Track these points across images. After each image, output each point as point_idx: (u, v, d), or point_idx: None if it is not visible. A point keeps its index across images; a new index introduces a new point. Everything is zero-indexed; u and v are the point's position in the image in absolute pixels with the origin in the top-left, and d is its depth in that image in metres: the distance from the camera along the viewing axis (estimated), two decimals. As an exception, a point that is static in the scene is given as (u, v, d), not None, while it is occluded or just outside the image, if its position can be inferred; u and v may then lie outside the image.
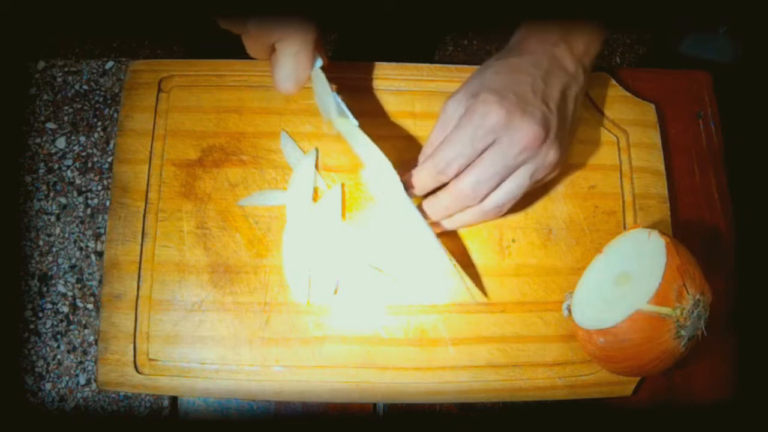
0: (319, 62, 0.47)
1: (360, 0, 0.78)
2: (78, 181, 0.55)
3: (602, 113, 0.56)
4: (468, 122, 0.44)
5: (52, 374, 0.51)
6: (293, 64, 0.44)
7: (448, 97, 0.48)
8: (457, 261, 0.51)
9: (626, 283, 0.45)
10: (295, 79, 0.45)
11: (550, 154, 0.45)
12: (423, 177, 0.46)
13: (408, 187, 0.48)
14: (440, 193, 0.47)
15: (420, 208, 0.48)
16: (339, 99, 0.48)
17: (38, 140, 0.56)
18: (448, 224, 0.49)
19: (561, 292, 0.51)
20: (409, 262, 0.51)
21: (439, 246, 0.49)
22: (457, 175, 0.45)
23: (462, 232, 0.53)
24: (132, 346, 0.48)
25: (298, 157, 0.53)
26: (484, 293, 0.51)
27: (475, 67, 0.56)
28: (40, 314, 0.52)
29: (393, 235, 0.52)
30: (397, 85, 0.56)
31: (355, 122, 0.48)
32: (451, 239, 0.52)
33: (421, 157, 0.49)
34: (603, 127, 0.56)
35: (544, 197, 0.54)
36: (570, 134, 0.48)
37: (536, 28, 0.49)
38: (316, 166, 0.53)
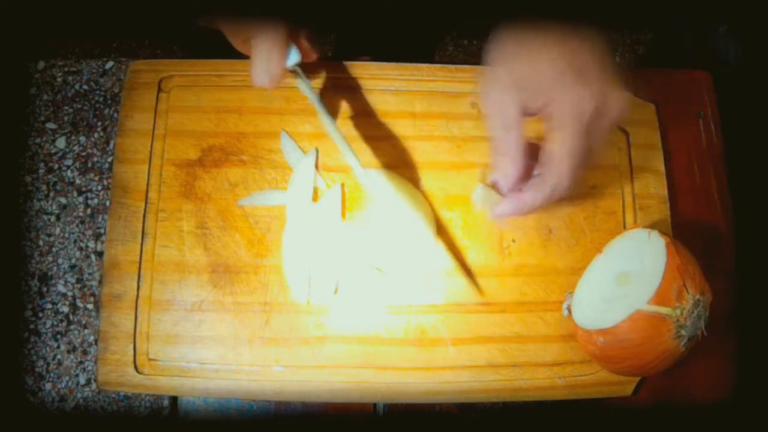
0: (294, 58, 0.46)
1: (360, 0, 0.78)
2: (78, 181, 0.55)
3: (602, 113, 0.56)
4: (565, 118, 0.41)
5: (52, 374, 0.51)
6: (265, 61, 0.44)
7: (483, 85, 0.44)
8: (456, 258, 0.51)
9: (626, 283, 0.45)
10: (268, 76, 0.45)
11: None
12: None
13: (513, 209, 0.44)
14: (529, 192, 0.42)
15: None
16: (316, 97, 0.48)
17: (38, 140, 0.56)
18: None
19: (561, 292, 0.51)
20: (409, 262, 0.51)
21: (437, 243, 0.49)
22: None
23: (461, 232, 0.53)
24: (132, 346, 0.48)
25: (298, 157, 0.53)
26: (481, 291, 0.51)
27: (475, 68, 0.56)
28: (40, 314, 0.52)
29: (393, 235, 0.52)
30: (397, 85, 0.56)
31: (330, 120, 0.48)
32: (446, 237, 0.52)
33: (495, 160, 0.44)
34: (603, 127, 0.56)
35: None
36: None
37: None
38: (316, 166, 0.53)
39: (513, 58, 0.43)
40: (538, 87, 0.41)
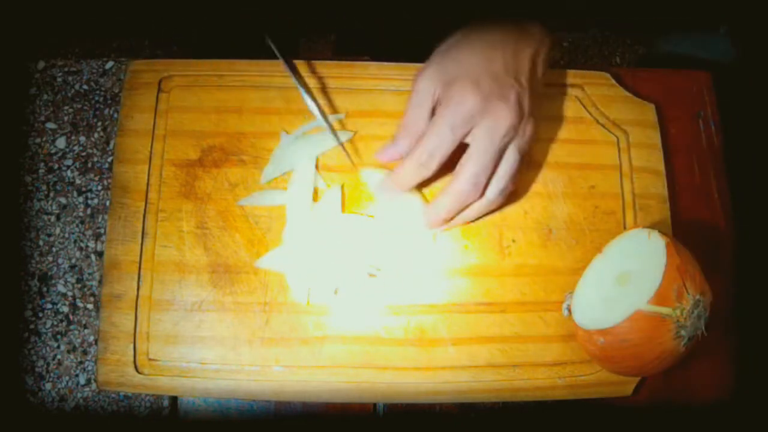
0: None
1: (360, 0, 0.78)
2: (78, 181, 0.55)
3: (603, 113, 0.56)
4: (446, 111, 0.45)
5: (52, 374, 0.51)
6: None
7: (417, 73, 0.48)
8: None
9: (626, 283, 0.45)
10: None
11: (528, 128, 0.47)
12: (406, 173, 0.47)
13: (391, 185, 0.48)
14: (440, 197, 0.47)
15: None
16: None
17: (38, 140, 0.56)
18: (451, 223, 0.50)
19: (561, 292, 0.51)
20: (409, 262, 0.51)
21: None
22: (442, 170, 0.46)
23: (461, 233, 0.53)
24: (132, 346, 0.48)
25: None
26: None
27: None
28: (40, 314, 0.52)
29: (393, 234, 0.52)
30: (397, 85, 0.56)
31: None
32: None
33: (397, 134, 0.49)
34: (603, 127, 0.56)
35: (545, 197, 0.54)
36: (538, 97, 0.49)
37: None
38: (317, 167, 0.53)
39: (443, 58, 0.48)
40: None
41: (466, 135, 0.45)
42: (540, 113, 0.50)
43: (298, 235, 0.51)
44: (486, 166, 0.45)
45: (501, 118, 0.45)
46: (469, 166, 0.45)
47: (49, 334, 0.52)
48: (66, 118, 0.56)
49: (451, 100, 0.45)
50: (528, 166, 0.54)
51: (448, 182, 0.47)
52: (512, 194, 0.49)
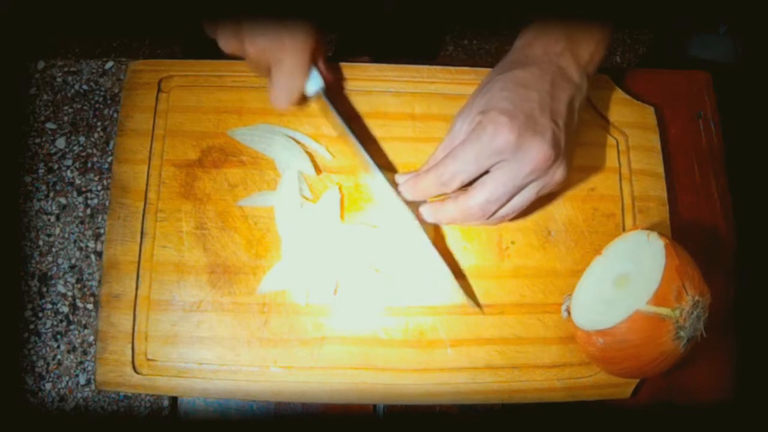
0: (317, 83, 0.49)
1: (360, 0, 0.78)
2: (78, 181, 0.55)
3: (602, 116, 0.56)
4: (476, 139, 0.44)
5: (52, 374, 0.51)
6: (286, 84, 0.47)
7: (455, 115, 0.48)
8: (453, 264, 0.51)
9: (625, 284, 0.45)
10: (288, 98, 0.48)
11: (558, 172, 0.45)
12: (425, 186, 0.46)
13: (405, 191, 0.48)
14: (448, 204, 0.47)
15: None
16: (342, 121, 0.50)
17: (38, 140, 0.56)
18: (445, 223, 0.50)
19: (560, 294, 0.51)
20: (408, 263, 0.51)
21: (434, 249, 0.49)
22: (462, 188, 0.46)
23: (460, 234, 0.53)
24: (130, 346, 0.48)
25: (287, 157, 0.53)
26: (477, 302, 0.51)
27: (475, 69, 0.56)
28: (40, 314, 0.52)
29: (392, 235, 0.52)
30: (396, 86, 0.56)
31: (358, 143, 0.50)
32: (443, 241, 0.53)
33: (424, 168, 0.49)
34: (603, 130, 0.56)
35: (544, 199, 0.54)
36: (573, 143, 0.48)
37: (540, 35, 0.48)
38: (317, 169, 0.53)
39: (477, 96, 0.47)
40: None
41: (493, 166, 0.44)
42: (574, 164, 0.48)
43: (289, 235, 0.51)
44: (499, 199, 0.45)
45: (533, 155, 0.43)
46: (484, 193, 0.44)
47: (49, 334, 0.52)
48: (66, 118, 0.57)
49: (484, 131, 0.43)
50: (549, 201, 0.54)
51: (459, 191, 0.46)
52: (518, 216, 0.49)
